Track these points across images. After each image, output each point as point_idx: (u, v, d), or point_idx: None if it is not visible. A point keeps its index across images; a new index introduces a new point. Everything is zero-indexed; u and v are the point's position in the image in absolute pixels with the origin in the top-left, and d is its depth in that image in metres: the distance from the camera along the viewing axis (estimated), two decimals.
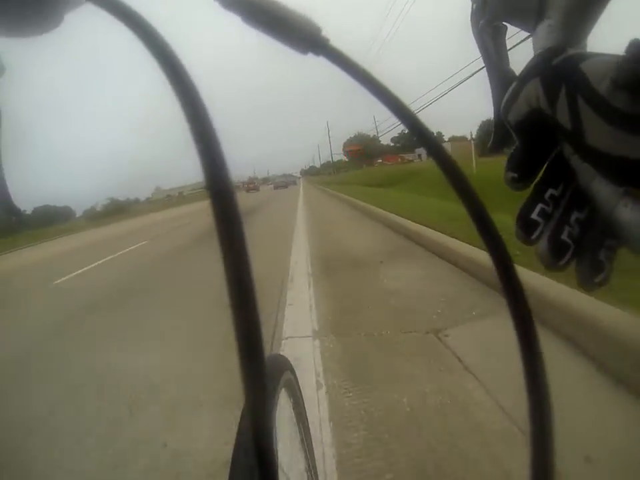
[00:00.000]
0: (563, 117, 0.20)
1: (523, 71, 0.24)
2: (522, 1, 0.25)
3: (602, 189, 0.21)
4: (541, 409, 0.20)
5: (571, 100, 0.20)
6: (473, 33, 0.28)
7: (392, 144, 79.09)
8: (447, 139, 66.76)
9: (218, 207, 0.15)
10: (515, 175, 0.24)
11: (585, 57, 0.21)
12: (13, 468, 1.59)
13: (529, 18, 0.25)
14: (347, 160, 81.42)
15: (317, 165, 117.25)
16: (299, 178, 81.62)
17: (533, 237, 0.23)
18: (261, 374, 0.16)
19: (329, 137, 65.12)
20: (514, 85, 0.24)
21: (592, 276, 0.22)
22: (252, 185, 51.79)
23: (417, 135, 0.20)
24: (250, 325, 0.16)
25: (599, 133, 0.19)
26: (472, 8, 0.28)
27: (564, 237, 0.22)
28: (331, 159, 73.98)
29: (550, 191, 0.23)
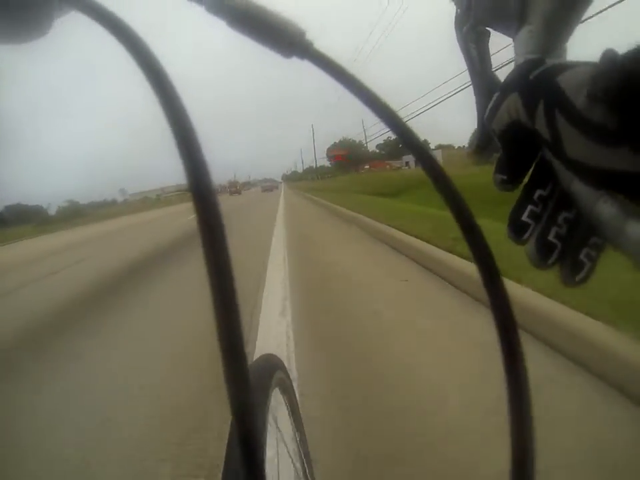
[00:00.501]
0: (542, 129, 0.21)
1: (503, 83, 0.24)
2: (504, 6, 0.25)
3: (582, 188, 0.21)
4: (522, 414, 0.20)
5: (549, 113, 0.20)
6: (457, 38, 0.28)
7: (377, 150, 78.51)
8: (433, 147, 65.71)
9: (200, 210, 0.15)
10: (504, 177, 0.24)
11: (562, 68, 0.21)
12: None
13: (511, 23, 0.25)
14: (330, 165, 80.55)
15: (300, 170, 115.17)
16: (280, 183, 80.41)
17: (524, 237, 0.23)
18: (245, 378, 0.16)
19: (314, 141, 64.46)
20: (496, 95, 0.24)
21: (573, 275, 0.22)
22: (234, 189, 54.08)
23: (403, 139, 0.20)
24: (233, 330, 0.16)
25: (576, 145, 0.19)
26: (456, 13, 0.28)
27: (551, 237, 0.23)
28: (314, 164, 73.32)
29: (538, 192, 0.23)
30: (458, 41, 0.28)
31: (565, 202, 0.23)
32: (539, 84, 0.21)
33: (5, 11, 0.18)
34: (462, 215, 0.20)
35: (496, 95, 0.24)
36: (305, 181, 74.74)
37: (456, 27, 0.28)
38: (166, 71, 0.16)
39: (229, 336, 0.16)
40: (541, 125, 0.21)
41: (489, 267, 0.20)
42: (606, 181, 0.19)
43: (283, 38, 0.19)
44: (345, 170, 68.84)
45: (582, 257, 0.22)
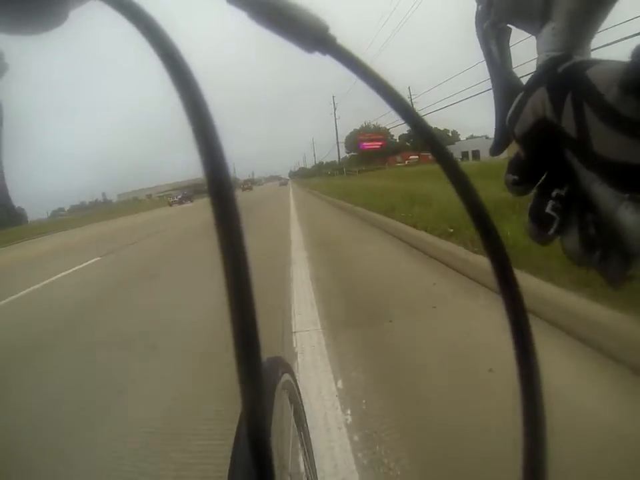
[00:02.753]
0: (569, 124, 0.20)
1: (528, 81, 0.24)
2: (527, 3, 0.25)
3: (602, 192, 0.21)
4: (535, 410, 0.20)
5: (577, 108, 0.20)
6: (477, 34, 0.28)
7: (397, 141, 66.53)
8: (465, 138, 62.25)
9: (218, 206, 0.15)
10: (516, 178, 0.24)
11: (591, 63, 0.21)
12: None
13: (534, 20, 0.24)
14: (349, 157, 66.51)
15: (308, 165, 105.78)
16: (288, 180, 75.48)
17: (550, 232, 0.23)
18: (258, 378, 0.16)
19: (335, 120, 48.92)
20: (520, 96, 0.24)
21: (620, 274, 0.22)
22: (246, 186, 63.90)
23: (422, 135, 0.20)
24: (248, 328, 0.15)
25: (605, 140, 0.19)
26: (477, 9, 0.28)
27: (590, 231, 0.22)
28: (337, 151, 52.19)
29: (556, 191, 0.23)
30: (478, 37, 0.28)
31: (585, 205, 0.22)
32: (567, 77, 0.21)
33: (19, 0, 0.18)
34: (473, 204, 0.20)
35: (520, 95, 0.24)
36: (317, 177, 56.95)
37: (476, 24, 0.28)
38: (187, 62, 0.16)
39: (244, 334, 0.16)
40: (567, 120, 0.20)
41: (500, 258, 0.20)
42: (632, 178, 0.19)
43: (306, 32, 0.19)
44: (369, 163, 56.77)
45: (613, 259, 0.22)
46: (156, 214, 23.32)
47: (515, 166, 0.24)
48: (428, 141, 0.20)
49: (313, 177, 68.25)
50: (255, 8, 0.18)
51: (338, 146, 51.21)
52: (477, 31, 0.28)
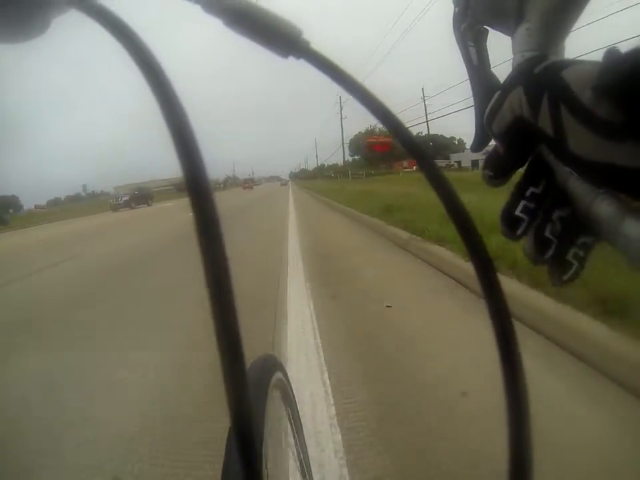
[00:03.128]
0: (546, 124, 0.21)
1: (505, 81, 0.24)
2: (502, 4, 0.25)
3: (579, 186, 0.21)
4: (519, 410, 0.20)
5: (553, 108, 0.20)
6: (455, 36, 0.28)
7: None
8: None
9: (197, 209, 0.15)
10: (492, 173, 0.25)
11: (566, 64, 0.21)
12: None
13: (509, 21, 0.25)
14: (352, 160, 62.65)
15: (309, 167, 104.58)
16: (288, 181, 75.14)
17: (518, 232, 0.24)
18: (242, 379, 0.16)
19: (341, 120, 47.51)
20: (497, 94, 0.24)
21: (560, 275, 0.23)
22: (247, 184, 69.70)
23: (399, 138, 0.20)
24: (231, 331, 0.16)
25: (581, 140, 0.19)
26: (454, 12, 0.28)
27: (547, 233, 0.23)
28: (342, 159, 52.84)
29: (531, 189, 0.24)
30: (456, 39, 0.28)
31: (559, 200, 0.23)
32: (543, 78, 0.21)
33: (2, 9, 0.18)
34: (455, 210, 0.20)
35: (497, 94, 0.24)
36: (320, 180, 53.03)
37: (454, 26, 0.28)
38: (163, 68, 0.16)
39: (227, 337, 0.16)
40: (544, 120, 0.21)
41: (483, 261, 0.20)
42: (607, 176, 0.19)
43: (279, 38, 0.19)
44: (373, 167, 54.03)
45: (570, 257, 0.23)
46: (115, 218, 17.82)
47: (491, 162, 0.25)
48: (406, 144, 0.20)
49: (314, 178, 63.84)
50: (229, 16, 0.19)
51: (343, 147, 48.50)
52: (454, 33, 0.28)
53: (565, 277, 0.23)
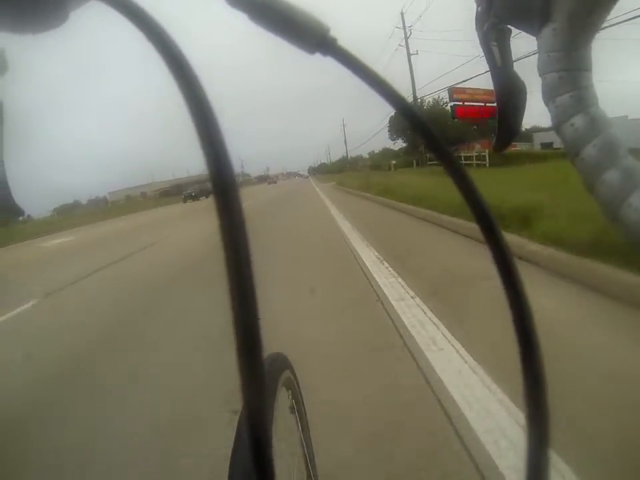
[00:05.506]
0: None
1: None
2: (527, 4, 0.25)
3: (606, 190, 0.21)
4: (538, 391, 0.20)
5: None
6: (478, 35, 0.28)
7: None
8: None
9: (222, 204, 0.15)
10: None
11: None
12: None
13: (534, 21, 0.25)
14: (381, 151, 50.99)
15: (333, 159, 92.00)
16: (308, 176, 75.78)
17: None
18: (260, 375, 0.16)
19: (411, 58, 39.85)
20: None
21: None
22: (271, 180, 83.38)
23: (424, 136, 0.20)
24: (250, 324, 0.16)
25: None
26: (476, 10, 0.28)
27: None
28: (363, 151, 45.06)
29: None
30: (478, 38, 0.28)
31: None
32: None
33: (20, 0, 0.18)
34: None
35: None
36: (350, 173, 38.25)
37: (476, 25, 0.28)
38: (188, 60, 0.16)
39: (246, 332, 0.16)
40: None
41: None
42: None
43: (306, 34, 0.19)
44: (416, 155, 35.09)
45: None
46: (163, 213, 19.55)
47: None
48: (430, 142, 0.20)
49: (340, 172, 50.03)
50: (255, 10, 0.19)
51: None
52: (477, 32, 0.28)
53: None
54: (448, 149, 0.20)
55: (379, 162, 42.73)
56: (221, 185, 0.15)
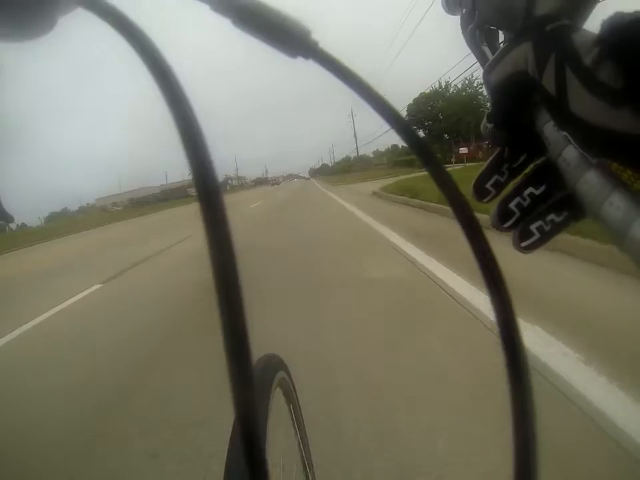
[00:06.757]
0: (549, 83, 0.21)
1: (513, 35, 0.24)
2: (509, 4, 0.25)
3: (589, 189, 0.21)
4: (525, 407, 0.20)
5: (559, 67, 0.21)
6: (464, 38, 0.28)
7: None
8: None
9: (206, 208, 0.15)
10: (491, 125, 0.25)
11: (578, 28, 0.21)
12: None
13: (518, 23, 0.25)
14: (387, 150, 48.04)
15: (336, 158, 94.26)
16: (309, 178, 72.95)
17: (484, 200, 0.26)
18: (249, 379, 0.16)
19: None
20: (503, 46, 0.24)
21: (519, 241, 0.24)
22: (275, 181, 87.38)
23: (410, 142, 0.20)
24: (238, 329, 0.16)
25: (582, 102, 0.20)
26: (461, 13, 0.28)
27: (511, 205, 0.25)
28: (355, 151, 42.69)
29: (530, 189, 0.25)
30: (465, 40, 0.28)
31: (535, 178, 0.25)
32: (553, 37, 0.22)
33: (6, 8, 0.18)
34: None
35: (502, 46, 0.24)
36: (359, 173, 34.91)
37: (462, 27, 0.28)
38: (172, 68, 0.16)
39: (234, 334, 0.16)
40: (548, 78, 0.21)
41: (487, 259, 0.20)
42: (604, 142, 0.20)
43: (288, 37, 0.19)
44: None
45: (533, 227, 0.24)
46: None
47: (491, 115, 0.25)
48: (416, 148, 0.20)
49: (346, 172, 46.87)
50: (237, 15, 0.19)
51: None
52: (463, 34, 0.28)
53: (523, 244, 0.24)
54: (432, 153, 0.20)
55: (396, 158, 39.50)
56: (205, 189, 0.15)
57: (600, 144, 0.20)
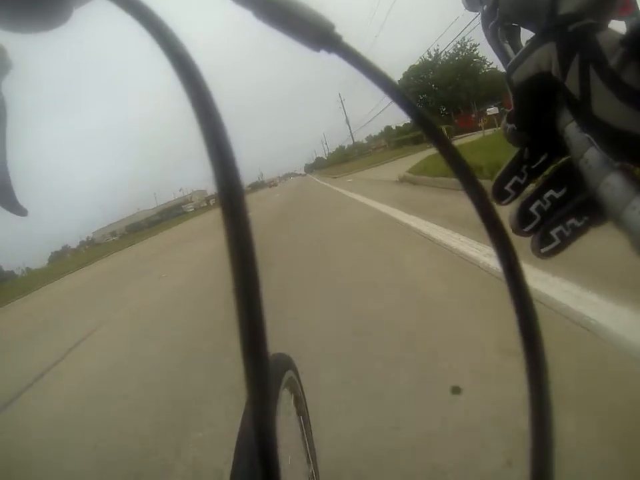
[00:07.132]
0: (573, 84, 0.21)
1: (537, 34, 0.24)
2: (532, 2, 0.24)
3: (611, 192, 0.21)
4: (543, 408, 0.20)
5: (583, 69, 0.20)
6: (485, 35, 0.28)
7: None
8: None
9: (227, 207, 0.15)
10: (514, 126, 0.25)
11: (602, 27, 0.21)
12: None
13: (541, 20, 0.24)
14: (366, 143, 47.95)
15: (331, 149, 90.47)
16: (306, 174, 73.28)
17: (503, 202, 0.26)
18: (264, 375, 0.16)
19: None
20: (525, 46, 0.24)
21: (539, 246, 0.24)
22: (272, 183, 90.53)
23: (429, 135, 0.20)
24: (255, 325, 0.16)
25: (606, 105, 0.19)
26: (482, 10, 0.27)
27: (532, 209, 0.24)
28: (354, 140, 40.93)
29: (551, 192, 0.24)
30: (486, 38, 0.28)
31: (556, 181, 0.24)
32: (577, 37, 0.21)
33: None
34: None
35: (525, 46, 0.24)
36: (363, 160, 34.36)
37: (483, 25, 0.28)
38: (194, 60, 0.16)
39: (251, 336, 0.16)
40: (572, 80, 0.21)
41: (505, 248, 0.20)
42: (627, 146, 0.19)
43: (312, 31, 0.19)
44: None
45: (553, 232, 0.23)
46: None
47: (512, 115, 0.25)
48: (434, 140, 0.20)
49: (345, 162, 44.05)
50: (260, 7, 0.18)
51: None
52: (484, 31, 0.28)
53: (544, 250, 0.23)
54: (449, 142, 0.20)
55: (397, 138, 38.62)
56: (227, 186, 0.15)
57: (623, 148, 0.19)
